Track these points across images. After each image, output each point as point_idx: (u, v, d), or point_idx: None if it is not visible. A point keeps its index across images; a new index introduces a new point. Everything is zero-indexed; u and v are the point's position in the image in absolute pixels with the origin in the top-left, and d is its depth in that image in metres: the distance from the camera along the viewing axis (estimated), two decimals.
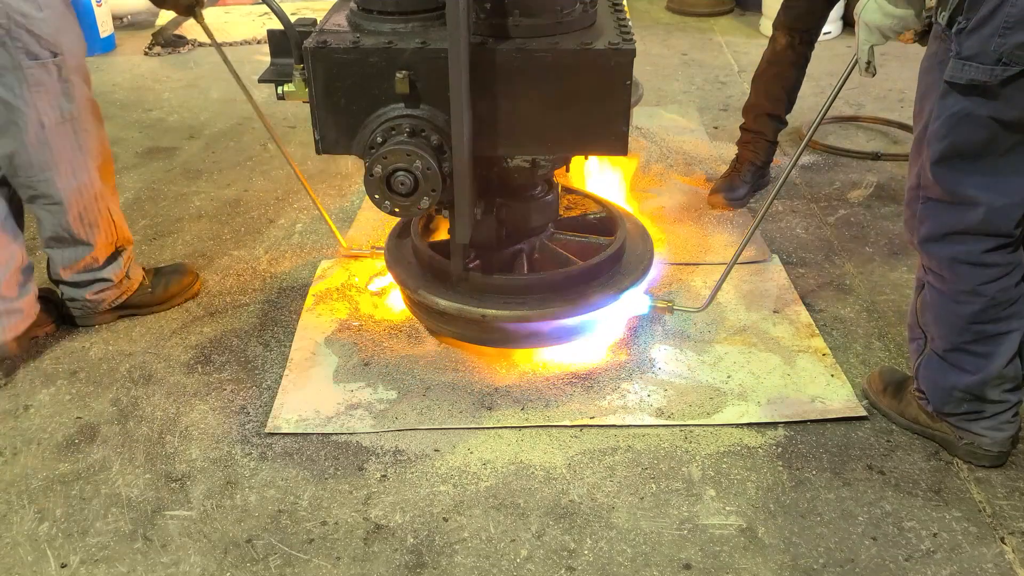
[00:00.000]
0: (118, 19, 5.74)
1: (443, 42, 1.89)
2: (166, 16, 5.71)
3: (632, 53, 1.94)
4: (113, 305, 2.62)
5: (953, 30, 1.71)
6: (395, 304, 2.67)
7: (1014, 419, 2.03)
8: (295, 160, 3.79)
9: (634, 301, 2.43)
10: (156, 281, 2.72)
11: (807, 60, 3.21)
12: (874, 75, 2.08)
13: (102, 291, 2.57)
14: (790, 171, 2.19)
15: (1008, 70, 1.64)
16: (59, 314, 2.63)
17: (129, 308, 2.66)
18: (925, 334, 2.04)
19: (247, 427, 2.22)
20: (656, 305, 2.50)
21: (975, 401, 2.01)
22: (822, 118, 2.22)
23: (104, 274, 2.55)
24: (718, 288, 2.49)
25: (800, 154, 2.24)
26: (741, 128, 3.40)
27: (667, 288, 2.76)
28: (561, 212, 2.57)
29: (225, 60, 2.56)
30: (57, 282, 2.57)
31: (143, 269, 2.72)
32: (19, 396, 2.35)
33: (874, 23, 1.95)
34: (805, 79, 3.23)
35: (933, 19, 1.80)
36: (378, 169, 1.95)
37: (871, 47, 2.00)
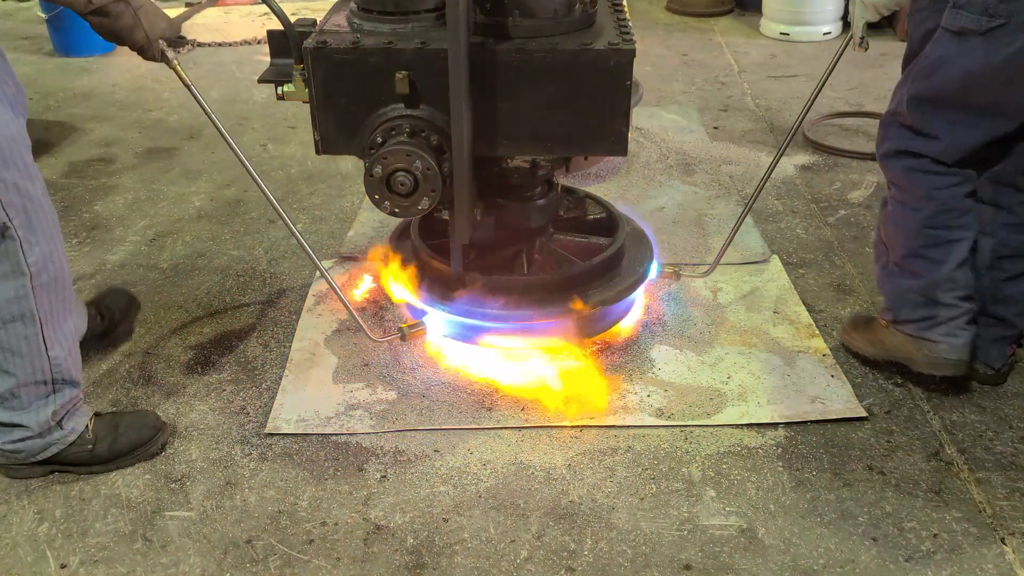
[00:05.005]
0: None
1: (443, 42, 1.89)
2: None
3: (632, 53, 1.94)
4: (37, 459, 2.03)
5: None
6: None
7: (968, 326, 2.15)
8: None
9: (646, 268, 2.53)
10: (104, 433, 2.08)
11: None
12: (867, 50, 2.21)
13: (22, 440, 1.99)
14: (776, 160, 2.33)
15: (992, 21, 1.84)
16: None
17: (62, 464, 2.07)
18: (887, 249, 2.23)
19: (247, 427, 2.21)
20: (664, 271, 2.62)
21: (929, 305, 2.15)
22: (816, 96, 2.34)
23: (23, 419, 1.96)
24: (722, 253, 2.61)
25: (788, 141, 2.38)
26: None
27: (666, 288, 2.75)
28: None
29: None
30: None
31: (95, 414, 2.11)
32: None
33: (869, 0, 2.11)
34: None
35: None
36: (378, 169, 1.95)
37: (866, 23, 2.15)
